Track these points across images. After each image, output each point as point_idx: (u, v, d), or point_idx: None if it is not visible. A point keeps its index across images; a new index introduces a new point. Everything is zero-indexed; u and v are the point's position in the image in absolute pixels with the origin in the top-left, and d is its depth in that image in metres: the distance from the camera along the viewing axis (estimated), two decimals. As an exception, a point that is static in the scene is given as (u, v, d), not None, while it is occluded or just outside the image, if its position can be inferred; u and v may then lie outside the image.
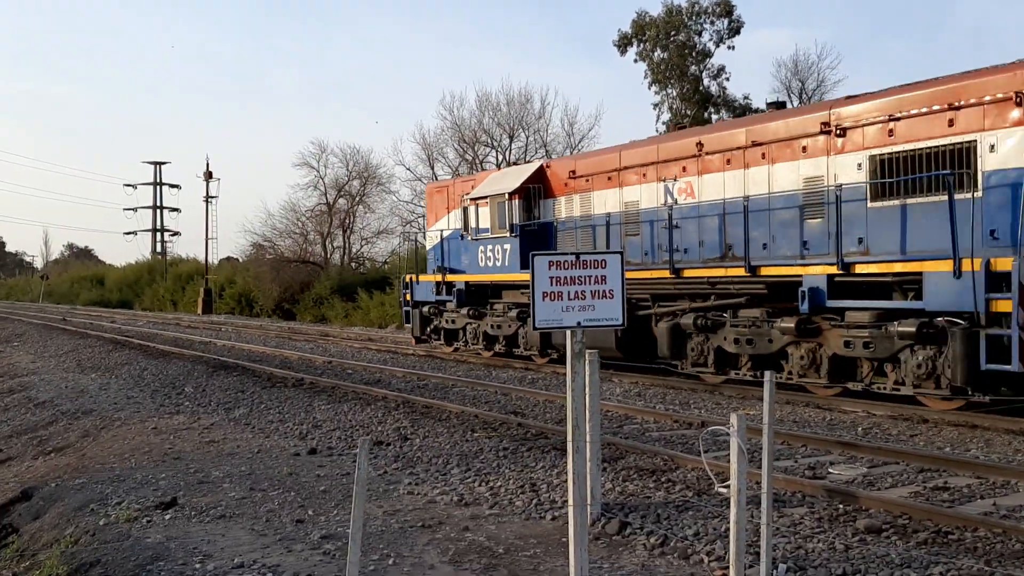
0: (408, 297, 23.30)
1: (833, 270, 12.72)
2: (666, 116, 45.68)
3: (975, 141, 11.47)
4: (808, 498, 7.67)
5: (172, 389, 16.70)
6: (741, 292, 14.49)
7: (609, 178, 17.43)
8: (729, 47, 45.69)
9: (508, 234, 19.43)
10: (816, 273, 13.00)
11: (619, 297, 5.65)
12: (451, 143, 48.72)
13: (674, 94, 45.61)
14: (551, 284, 5.54)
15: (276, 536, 7.15)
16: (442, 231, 22.23)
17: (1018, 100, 11.00)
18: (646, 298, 16.34)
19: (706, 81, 45.62)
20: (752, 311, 14.19)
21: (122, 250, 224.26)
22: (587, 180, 17.99)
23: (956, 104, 11.72)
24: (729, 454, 5.07)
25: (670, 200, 15.94)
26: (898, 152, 12.42)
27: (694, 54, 45.19)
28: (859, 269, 12.54)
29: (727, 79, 45.62)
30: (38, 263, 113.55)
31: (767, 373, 5.63)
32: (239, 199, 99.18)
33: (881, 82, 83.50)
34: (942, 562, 5.95)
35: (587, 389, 6.79)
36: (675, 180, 15.95)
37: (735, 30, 45.34)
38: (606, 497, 7.74)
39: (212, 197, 58.89)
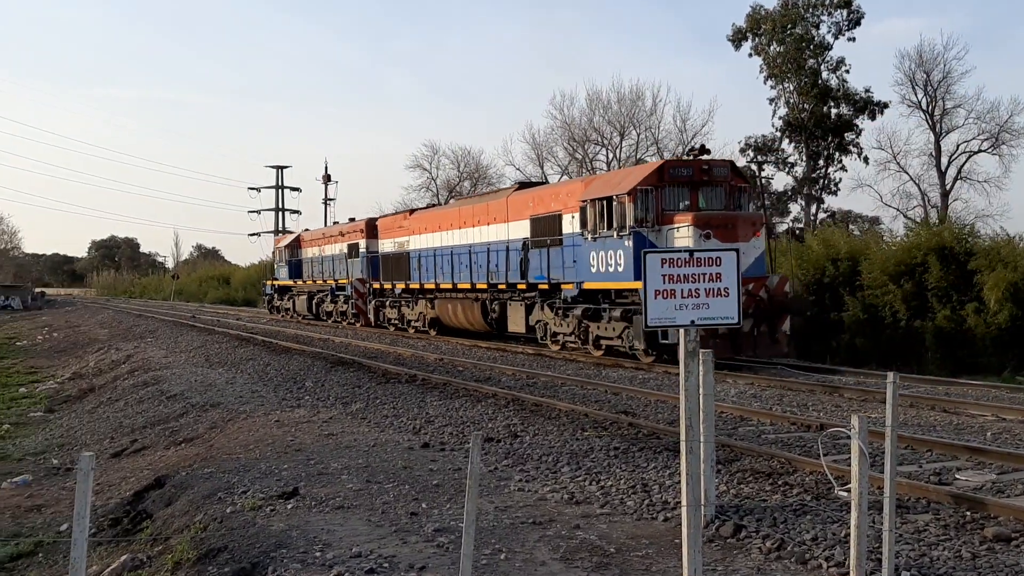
0: (263, 291, 49.48)
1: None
2: (783, 111, 44.52)
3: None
4: (933, 504, 7.38)
5: (293, 384, 17.29)
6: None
7: (312, 243, 40.60)
8: (849, 39, 44.19)
9: (285, 264, 42.95)
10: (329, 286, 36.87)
11: (735, 295, 5.53)
12: (561, 142, 48.78)
13: (791, 88, 44.40)
14: (664, 282, 5.47)
15: (391, 528, 7.33)
16: (275, 261, 46.42)
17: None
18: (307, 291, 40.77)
19: (825, 74, 44.22)
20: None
21: (246, 250, 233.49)
22: (309, 244, 41.01)
23: (343, 233, 36.49)
24: (849, 457, 4.92)
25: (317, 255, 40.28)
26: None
27: (811, 47, 43.89)
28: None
29: (847, 71, 44.10)
30: (169, 263, 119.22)
31: (890, 375, 5.43)
32: (356, 201, 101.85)
33: (1015, 73, 78.90)
34: (1082, 576, 5.63)
35: (700, 389, 6.70)
36: (295, 249, 42.16)
37: (855, 21, 43.80)
38: (720, 499, 7.62)
39: (330, 199, 61.06)
